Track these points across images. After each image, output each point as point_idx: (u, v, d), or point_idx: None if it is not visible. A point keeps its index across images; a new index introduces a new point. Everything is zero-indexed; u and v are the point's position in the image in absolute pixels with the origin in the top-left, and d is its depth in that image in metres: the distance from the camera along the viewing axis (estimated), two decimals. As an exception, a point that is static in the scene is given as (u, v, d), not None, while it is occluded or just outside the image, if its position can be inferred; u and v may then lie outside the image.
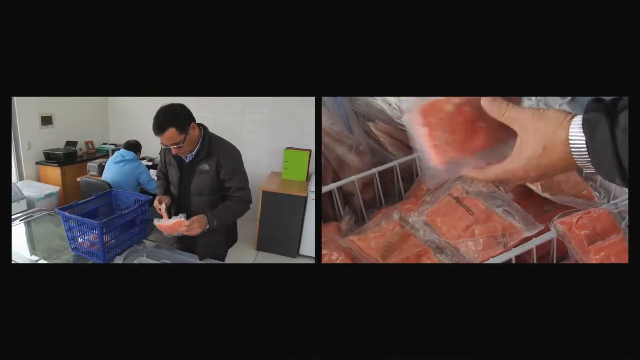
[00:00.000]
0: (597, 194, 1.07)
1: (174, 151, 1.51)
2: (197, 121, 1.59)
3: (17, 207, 2.37)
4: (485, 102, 0.70)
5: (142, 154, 3.19)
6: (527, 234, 0.95)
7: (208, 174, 1.55)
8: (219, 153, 1.55)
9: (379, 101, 1.31)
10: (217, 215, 1.51)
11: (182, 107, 1.52)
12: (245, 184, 1.61)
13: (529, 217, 0.99)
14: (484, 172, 0.72)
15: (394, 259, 0.99)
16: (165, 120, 1.45)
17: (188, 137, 1.48)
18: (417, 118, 0.72)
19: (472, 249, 0.97)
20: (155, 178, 1.80)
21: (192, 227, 1.46)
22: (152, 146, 3.07)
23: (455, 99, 0.71)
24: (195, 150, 1.55)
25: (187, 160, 1.59)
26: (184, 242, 1.73)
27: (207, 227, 1.49)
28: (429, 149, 0.73)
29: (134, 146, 2.98)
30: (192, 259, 1.62)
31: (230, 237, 1.78)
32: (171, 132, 1.44)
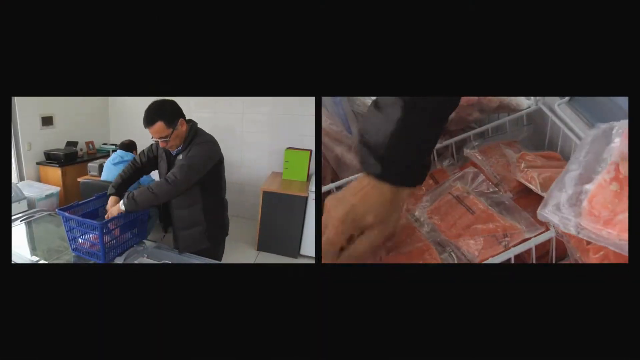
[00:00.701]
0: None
1: (161, 144, 1.56)
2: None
3: (17, 208, 2.38)
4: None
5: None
6: (527, 235, 0.95)
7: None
8: (194, 145, 1.58)
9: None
10: (129, 196, 1.51)
11: (171, 103, 1.57)
12: (184, 172, 1.50)
13: (529, 218, 0.99)
14: None
15: (396, 252, 0.99)
16: (154, 113, 1.51)
17: (176, 132, 1.53)
18: (596, 228, 0.78)
19: (473, 248, 0.97)
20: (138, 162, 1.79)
21: (108, 208, 1.55)
22: (151, 146, 3.07)
23: (599, 181, 0.78)
24: (181, 145, 1.60)
25: (174, 154, 1.63)
26: (178, 242, 1.73)
27: (123, 207, 1.50)
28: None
29: (130, 146, 2.98)
30: (193, 259, 1.62)
31: (214, 230, 1.72)
32: (159, 125, 1.50)
